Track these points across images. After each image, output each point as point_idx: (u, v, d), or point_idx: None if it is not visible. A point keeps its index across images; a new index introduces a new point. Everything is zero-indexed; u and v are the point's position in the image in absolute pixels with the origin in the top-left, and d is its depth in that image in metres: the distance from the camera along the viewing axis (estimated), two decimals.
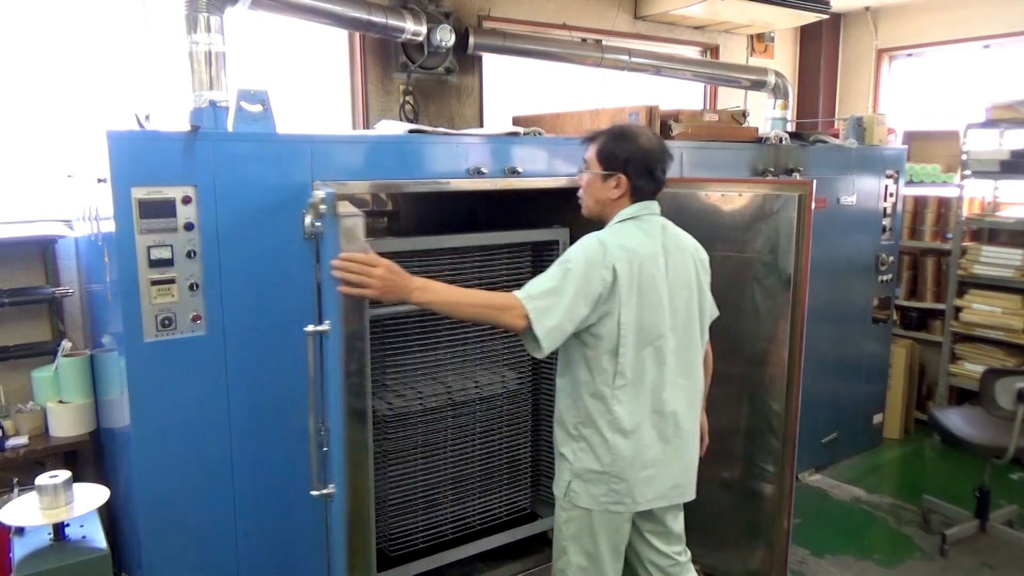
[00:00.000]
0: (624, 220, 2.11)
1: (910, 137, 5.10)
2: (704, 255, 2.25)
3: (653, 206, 2.15)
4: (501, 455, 3.08)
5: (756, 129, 3.88)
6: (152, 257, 2.20)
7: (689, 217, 2.96)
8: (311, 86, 3.78)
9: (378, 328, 2.70)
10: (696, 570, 2.32)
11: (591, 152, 2.15)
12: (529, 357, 3.13)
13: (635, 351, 2.04)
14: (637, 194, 2.12)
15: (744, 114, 3.88)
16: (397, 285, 1.90)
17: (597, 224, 2.18)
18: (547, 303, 1.94)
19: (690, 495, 2.22)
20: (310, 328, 1.97)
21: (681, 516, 2.28)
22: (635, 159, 2.08)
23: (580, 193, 2.21)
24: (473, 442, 3.01)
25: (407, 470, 2.85)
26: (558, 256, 2.12)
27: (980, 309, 4.55)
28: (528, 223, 3.11)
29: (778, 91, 4.76)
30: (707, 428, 2.40)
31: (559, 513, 2.16)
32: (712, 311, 2.28)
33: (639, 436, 2.06)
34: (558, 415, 2.18)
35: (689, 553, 2.33)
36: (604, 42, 4.30)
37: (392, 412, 2.77)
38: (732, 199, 2.96)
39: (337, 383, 1.96)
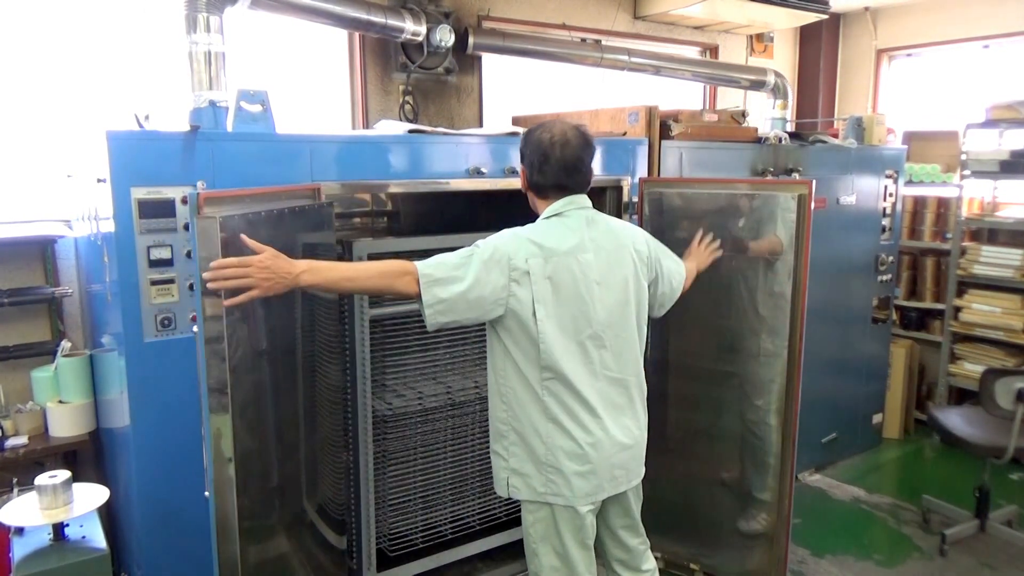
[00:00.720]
0: (549, 217, 2.11)
1: (909, 137, 5.10)
2: (642, 245, 2.22)
3: (579, 200, 2.13)
4: None
5: (755, 129, 3.88)
6: (152, 257, 2.20)
7: (688, 217, 2.98)
8: (311, 86, 3.78)
9: (378, 328, 2.70)
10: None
11: None
12: None
13: (559, 347, 2.02)
14: (536, 187, 2.12)
15: (743, 114, 3.89)
16: (279, 276, 1.79)
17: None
18: (442, 275, 1.94)
19: (629, 484, 2.19)
20: (196, 329, 1.85)
21: (639, 505, 2.30)
22: (528, 151, 2.10)
23: None
24: (472, 442, 3.01)
25: (406, 470, 2.85)
26: None
27: (980, 309, 4.56)
28: (528, 223, 3.10)
29: (777, 91, 4.77)
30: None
31: (525, 516, 2.15)
32: (670, 280, 2.30)
33: (570, 429, 2.04)
34: (490, 413, 2.18)
35: (648, 542, 2.34)
36: (604, 42, 4.30)
37: (392, 412, 2.77)
38: (731, 199, 2.96)
39: (204, 390, 1.83)
